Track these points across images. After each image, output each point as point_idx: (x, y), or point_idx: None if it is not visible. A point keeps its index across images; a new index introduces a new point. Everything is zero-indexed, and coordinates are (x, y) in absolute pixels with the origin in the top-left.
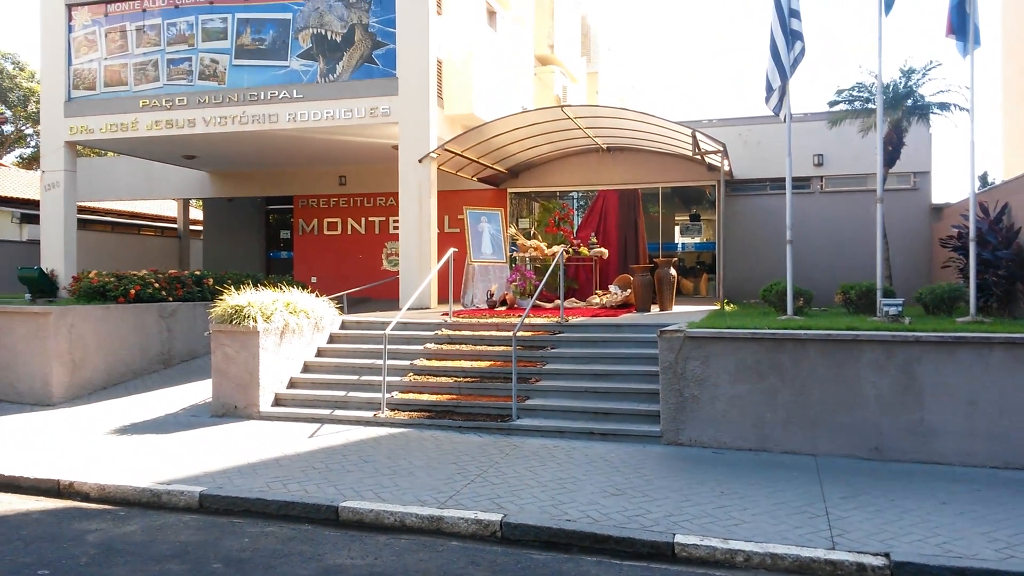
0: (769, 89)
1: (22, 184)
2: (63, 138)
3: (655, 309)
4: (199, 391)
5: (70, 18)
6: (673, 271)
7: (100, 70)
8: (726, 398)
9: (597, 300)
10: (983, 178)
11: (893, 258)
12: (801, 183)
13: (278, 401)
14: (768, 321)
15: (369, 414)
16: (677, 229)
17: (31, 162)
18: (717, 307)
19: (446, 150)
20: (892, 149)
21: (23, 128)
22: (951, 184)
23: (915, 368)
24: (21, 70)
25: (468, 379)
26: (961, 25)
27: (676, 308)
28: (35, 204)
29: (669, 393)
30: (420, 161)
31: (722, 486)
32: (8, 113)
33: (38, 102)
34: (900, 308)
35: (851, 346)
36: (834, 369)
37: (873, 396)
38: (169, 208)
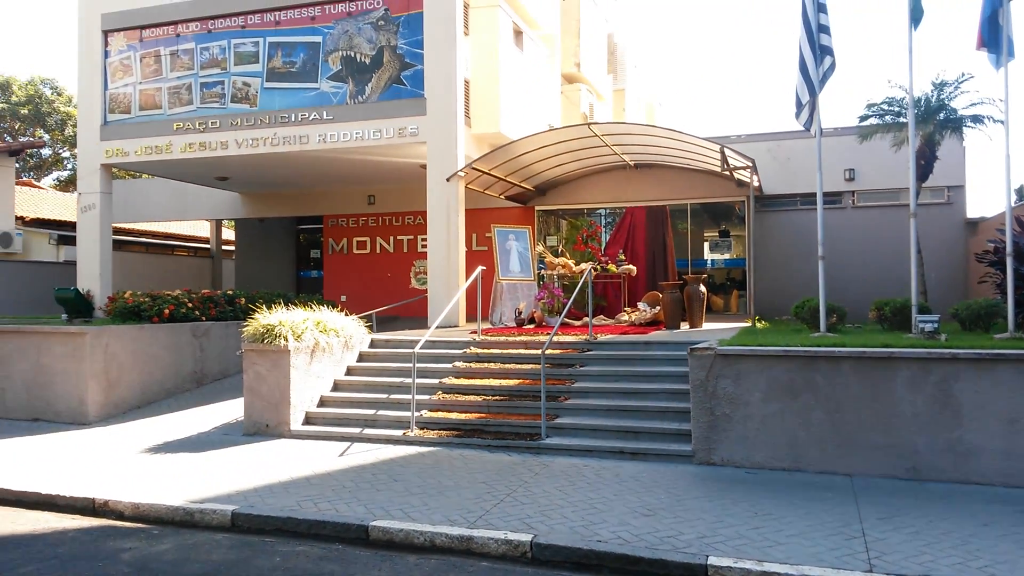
0: (799, 104)
1: (59, 206)
2: (99, 161)
3: (685, 326)
4: (231, 410)
5: (106, 44)
6: (703, 288)
7: (135, 94)
8: (759, 417)
9: (626, 317)
10: (1020, 191)
11: (928, 273)
12: (832, 198)
13: (308, 419)
14: (801, 338)
15: (398, 432)
16: (706, 245)
17: (68, 184)
18: (748, 324)
19: (474, 168)
20: (925, 163)
21: (60, 151)
22: (986, 198)
23: (952, 386)
24: (59, 95)
25: (497, 397)
26: (993, 38)
27: (706, 325)
28: (71, 226)
29: (700, 412)
30: (448, 180)
31: (756, 507)
32: (46, 137)
33: (75, 126)
34: (936, 325)
35: (886, 363)
36: (869, 387)
37: (910, 414)
38: (202, 228)
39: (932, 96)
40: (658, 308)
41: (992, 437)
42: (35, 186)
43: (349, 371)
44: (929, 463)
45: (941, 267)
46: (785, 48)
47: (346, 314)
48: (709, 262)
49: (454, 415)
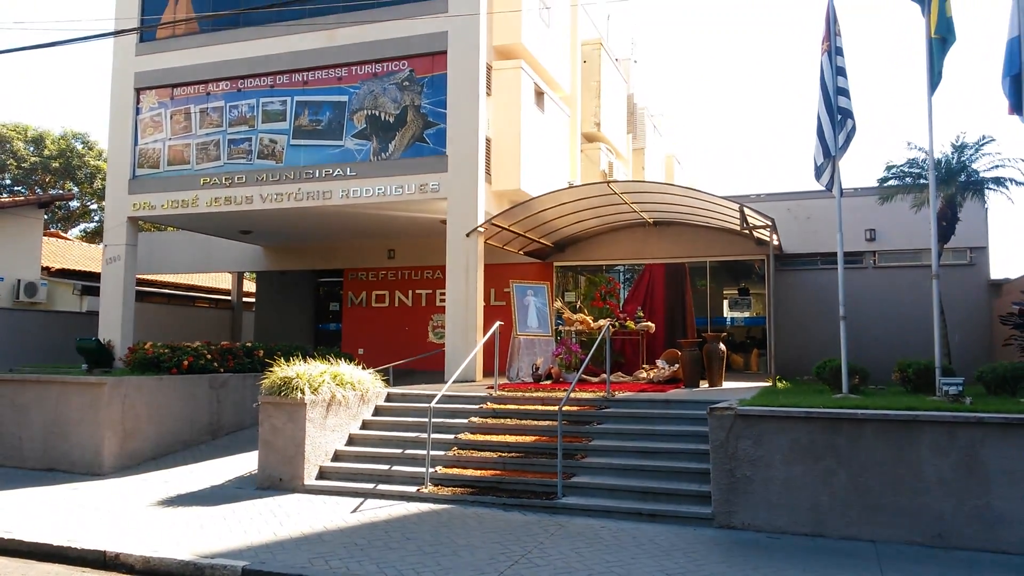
0: (818, 167)
1: (84, 257)
2: (126, 214)
3: (704, 385)
4: (245, 463)
5: (138, 101)
6: (722, 346)
7: (164, 149)
8: (780, 480)
9: (644, 375)
10: None
11: (951, 335)
12: (853, 258)
13: (322, 474)
14: (823, 399)
15: (412, 489)
16: (725, 303)
17: (94, 236)
18: (769, 384)
19: (493, 224)
20: (946, 224)
21: (88, 204)
22: (1011, 259)
23: (979, 451)
24: (90, 149)
25: (513, 454)
26: (1019, 101)
27: (726, 384)
28: (96, 276)
29: (720, 473)
30: (468, 235)
31: (778, 574)
32: (75, 190)
33: (104, 179)
34: (960, 387)
35: (910, 427)
36: (893, 451)
37: (935, 480)
38: (223, 280)
39: (952, 158)
40: (677, 366)
41: (1021, 505)
42: (62, 237)
43: (365, 425)
44: (955, 530)
45: (964, 329)
46: (805, 107)
47: (363, 367)
48: (728, 320)
49: (469, 472)
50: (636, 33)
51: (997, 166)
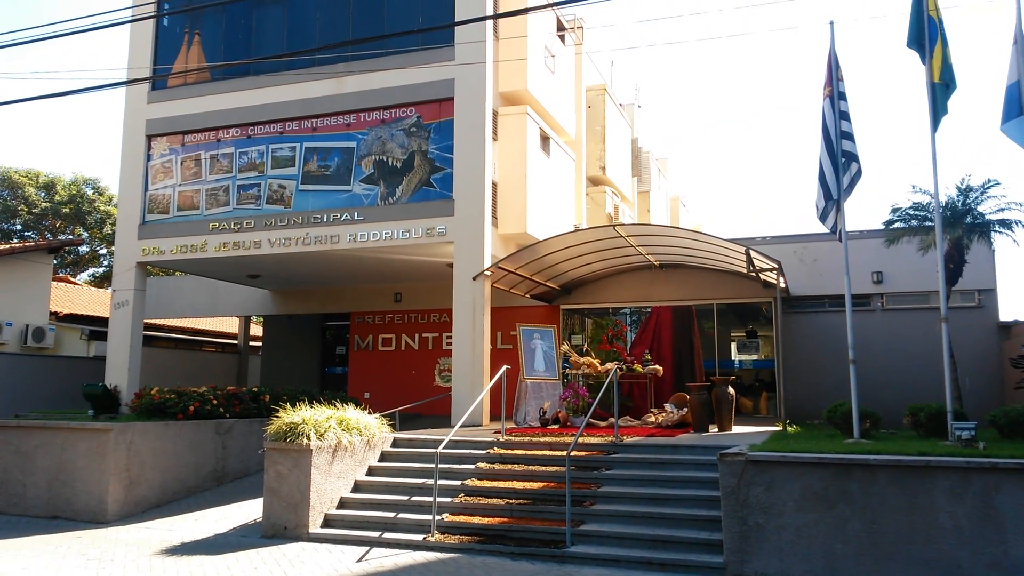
0: (823, 212)
1: (92, 302)
2: (135, 259)
3: (713, 429)
4: (250, 510)
5: (149, 148)
6: (731, 390)
7: (174, 195)
8: (793, 527)
9: (652, 419)
10: None
11: (961, 378)
12: (861, 300)
13: (328, 522)
14: (834, 444)
15: (419, 537)
16: (733, 346)
17: (102, 281)
18: (779, 428)
19: (500, 268)
20: (954, 267)
21: (98, 248)
22: (1019, 302)
23: (994, 497)
24: (100, 194)
25: (520, 501)
26: None
27: (736, 428)
28: (103, 321)
29: (732, 521)
30: (474, 279)
31: None
32: (85, 235)
33: (114, 224)
34: (973, 432)
35: (923, 473)
36: (907, 497)
37: (951, 527)
38: (230, 324)
39: (958, 201)
40: (685, 410)
41: None
42: (71, 282)
43: (371, 471)
44: None
45: (975, 372)
46: (810, 149)
47: (369, 412)
48: (737, 363)
49: (476, 519)
50: (640, 79)
51: (1002, 209)
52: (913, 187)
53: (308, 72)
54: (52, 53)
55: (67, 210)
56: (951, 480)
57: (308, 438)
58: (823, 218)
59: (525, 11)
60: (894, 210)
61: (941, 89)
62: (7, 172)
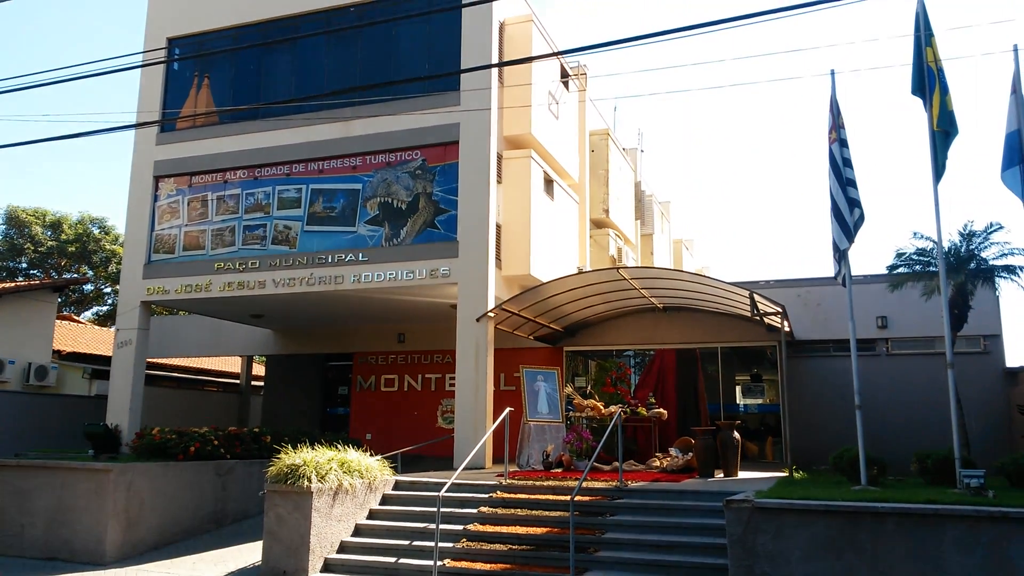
0: (836, 251)
1: (95, 340)
2: (140, 298)
3: (719, 475)
4: (249, 554)
5: (157, 188)
6: (736, 434)
7: (180, 235)
8: None
9: (657, 464)
10: None
11: (968, 424)
12: (866, 345)
13: (328, 566)
14: (841, 491)
15: None
16: (738, 389)
17: (106, 319)
18: (785, 474)
19: (503, 310)
20: (959, 312)
21: (102, 287)
22: None
23: (1005, 547)
24: (106, 234)
25: (523, 547)
26: None
27: (741, 474)
28: (106, 360)
29: (739, 569)
30: (478, 320)
31: None
32: (90, 274)
33: (119, 263)
34: (982, 480)
35: (933, 521)
36: (917, 547)
37: None
38: (232, 363)
39: (961, 246)
40: (690, 454)
41: None
42: (74, 320)
43: (372, 515)
44: None
45: (981, 418)
46: (812, 193)
47: (371, 453)
48: (742, 407)
49: (479, 565)
50: (642, 123)
51: (1006, 254)
52: (915, 233)
53: (316, 116)
54: (64, 95)
55: (73, 249)
56: (961, 530)
57: (309, 480)
58: (841, 258)
59: (530, 59)
60: (898, 255)
61: (941, 136)
62: (15, 211)
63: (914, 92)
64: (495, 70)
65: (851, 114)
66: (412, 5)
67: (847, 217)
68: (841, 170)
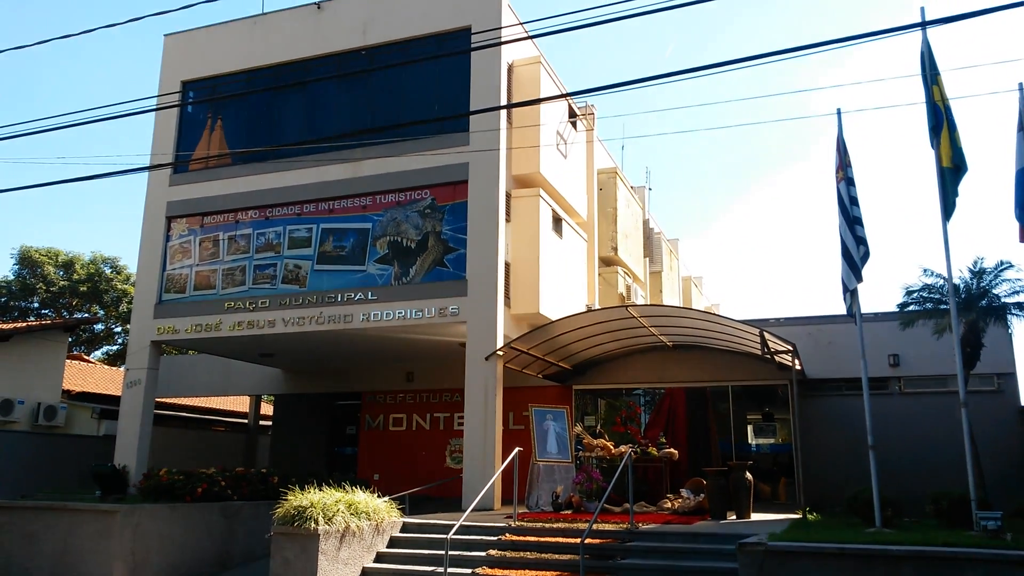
0: (845, 290)
1: (104, 380)
2: (150, 338)
3: (731, 516)
4: None
5: (169, 229)
6: (749, 475)
7: (191, 275)
8: None
9: (668, 505)
10: None
11: (983, 464)
12: (878, 384)
13: None
14: (855, 534)
15: None
16: (750, 429)
17: (116, 359)
18: (799, 516)
19: (512, 348)
20: (971, 350)
21: (113, 327)
22: None
23: None
24: (118, 273)
25: None
26: None
27: (754, 516)
28: (114, 399)
29: None
30: (487, 359)
31: None
32: (101, 313)
33: (130, 303)
34: (999, 523)
35: (950, 564)
36: None
37: None
38: (240, 402)
39: (972, 283)
40: (702, 496)
41: None
42: (84, 360)
43: (379, 557)
44: None
45: (996, 457)
46: (821, 231)
47: (379, 494)
48: (753, 447)
49: None
50: (650, 162)
51: (1018, 291)
52: (925, 270)
53: (326, 157)
54: (79, 137)
55: (84, 288)
56: (979, 574)
57: (316, 522)
58: (847, 296)
59: (538, 101)
60: (908, 292)
61: (951, 173)
62: (28, 251)
63: (931, 129)
64: (504, 111)
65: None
66: (422, 49)
67: (855, 255)
68: (848, 208)
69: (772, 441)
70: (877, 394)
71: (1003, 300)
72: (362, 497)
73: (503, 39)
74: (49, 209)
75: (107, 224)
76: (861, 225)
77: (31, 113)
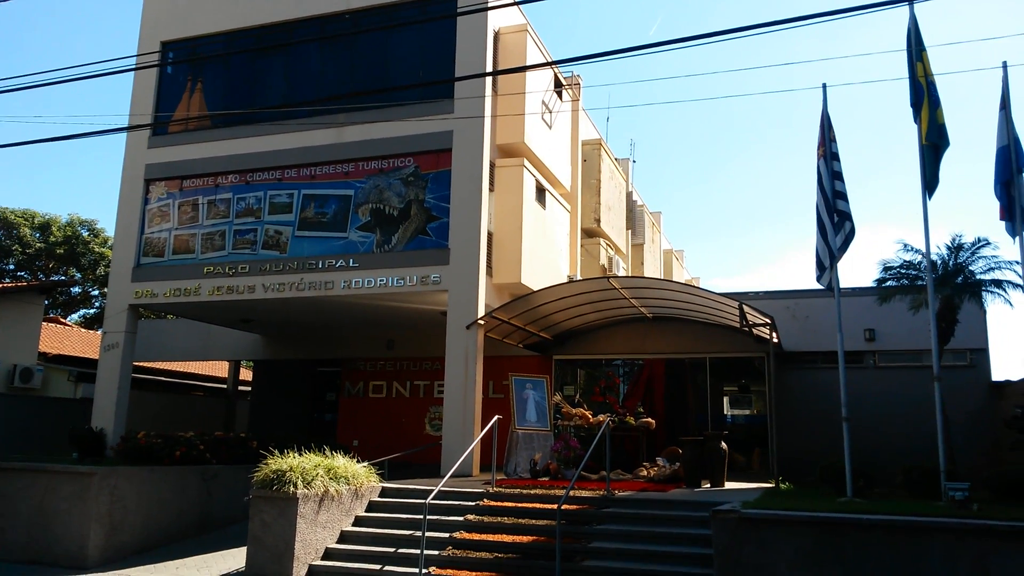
0: (820, 267)
1: (81, 343)
2: (128, 301)
3: (706, 485)
4: (234, 559)
5: (147, 192)
6: (724, 445)
7: (170, 239)
8: None
9: (644, 473)
10: None
11: (953, 438)
12: (854, 358)
13: (312, 573)
14: (827, 503)
15: None
16: (726, 400)
17: (92, 322)
18: (772, 485)
19: (493, 317)
20: (945, 326)
21: (90, 290)
22: (1012, 361)
23: (990, 560)
24: (95, 236)
25: (510, 555)
26: (1010, 208)
27: (728, 484)
28: (91, 363)
29: None
30: (468, 328)
31: None
32: (78, 276)
33: (107, 266)
34: (966, 493)
35: (918, 534)
36: (901, 558)
37: None
38: (219, 368)
39: (949, 259)
40: (678, 464)
41: None
42: (61, 322)
43: (357, 521)
44: None
45: (967, 431)
46: (802, 206)
47: (358, 460)
48: (729, 418)
49: (464, 573)
50: (635, 134)
51: (992, 268)
52: (905, 246)
53: (308, 121)
54: (56, 96)
55: (61, 251)
56: (946, 542)
57: (295, 486)
58: (819, 276)
59: (524, 68)
60: (885, 268)
61: (930, 150)
62: (3, 212)
63: (912, 105)
64: (489, 78)
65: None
66: (407, 13)
67: (831, 233)
68: (831, 184)
69: (747, 412)
70: (852, 368)
71: (978, 277)
72: (341, 462)
73: (489, 4)
74: (25, 169)
75: (85, 186)
76: (845, 200)
77: (6, 70)
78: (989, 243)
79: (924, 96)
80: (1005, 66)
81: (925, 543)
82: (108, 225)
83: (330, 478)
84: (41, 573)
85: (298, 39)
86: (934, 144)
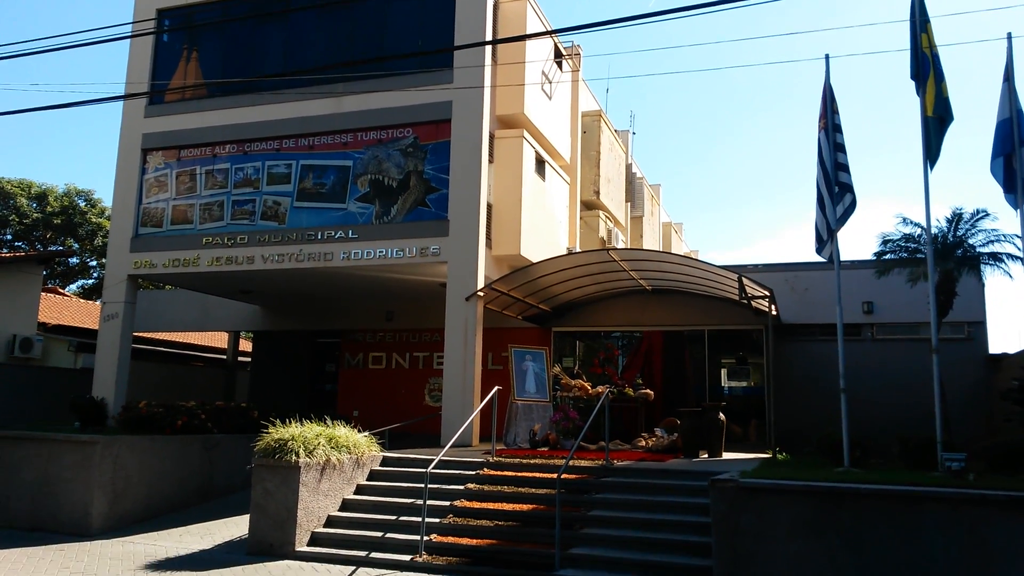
0: (819, 239)
1: (81, 313)
2: (127, 272)
3: (704, 455)
4: (236, 527)
5: (145, 162)
6: (722, 416)
7: (168, 209)
8: (785, 556)
9: (643, 443)
10: None
11: (950, 410)
12: (852, 330)
13: (315, 540)
14: (824, 472)
15: (407, 558)
16: (724, 372)
17: (91, 292)
18: (769, 455)
19: (493, 289)
20: (943, 299)
21: (88, 260)
22: (1010, 335)
23: (983, 529)
24: (92, 207)
25: (510, 523)
26: (1011, 181)
27: (726, 455)
28: (91, 333)
29: (723, 548)
30: (467, 299)
31: None
32: (76, 246)
33: (105, 236)
34: (963, 463)
35: (913, 503)
36: (898, 528)
37: (942, 560)
38: (219, 338)
39: (948, 232)
40: (676, 435)
41: None
42: (60, 293)
43: (359, 490)
44: None
45: (963, 403)
46: (802, 178)
47: (359, 430)
48: (727, 389)
49: (464, 540)
50: (635, 106)
51: (992, 241)
52: (904, 219)
53: (307, 91)
54: (51, 64)
55: (59, 221)
56: (941, 511)
57: (297, 455)
58: (819, 249)
59: (524, 37)
60: (884, 241)
61: (934, 123)
62: None
63: (912, 77)
64: (488, 48)
65: (847, 97)
66: None
67: (831, 205)
68: (832, 157)
69: (745, 384)
70: (851, 340)
71: (978, 250)
72: (343, 431)
73: None
74: (22, 138)
75: (81, 156)
76: (847, 171)
77: (2, 37)
78: (988, 214)
79: (930, 68)
80: (1010, 37)
81: (921, 512)
82: (105, 195)
83: (332, 447)
84: (45, 540)
85: (296, 7)
86: (938, 117)
